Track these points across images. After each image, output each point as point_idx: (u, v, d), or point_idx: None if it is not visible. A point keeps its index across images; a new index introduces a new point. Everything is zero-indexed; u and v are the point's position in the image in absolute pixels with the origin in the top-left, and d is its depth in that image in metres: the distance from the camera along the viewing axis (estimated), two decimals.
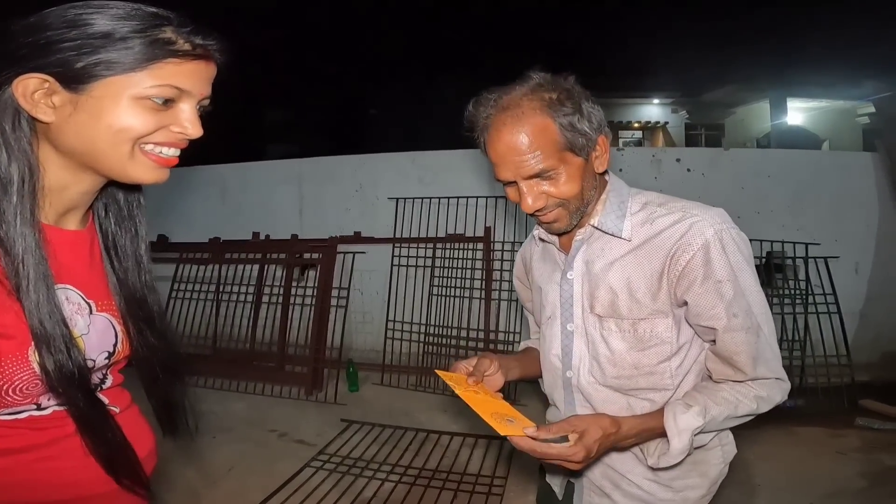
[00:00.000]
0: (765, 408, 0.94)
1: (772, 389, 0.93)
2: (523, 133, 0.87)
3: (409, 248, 4.02)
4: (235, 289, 4.09)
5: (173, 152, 0.70)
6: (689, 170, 3.83)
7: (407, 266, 4.01)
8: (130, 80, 0.63)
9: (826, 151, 7.48)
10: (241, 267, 4.14)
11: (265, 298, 4.06)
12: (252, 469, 2.70)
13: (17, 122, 0.64)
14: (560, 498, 1.13)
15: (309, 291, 3.94)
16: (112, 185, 0.76)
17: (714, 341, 0.94)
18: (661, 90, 12.08)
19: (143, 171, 0.68)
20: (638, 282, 0.94)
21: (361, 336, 4.22)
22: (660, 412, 0.92)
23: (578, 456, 0.84)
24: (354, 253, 3.89)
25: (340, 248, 3.95)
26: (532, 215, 0.96)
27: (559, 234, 1.02)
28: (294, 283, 4.05)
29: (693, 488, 1.00)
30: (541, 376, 1.15)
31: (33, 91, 0.62)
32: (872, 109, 3.79)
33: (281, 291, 4.02)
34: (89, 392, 0.70)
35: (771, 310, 0.97)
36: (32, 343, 0.64)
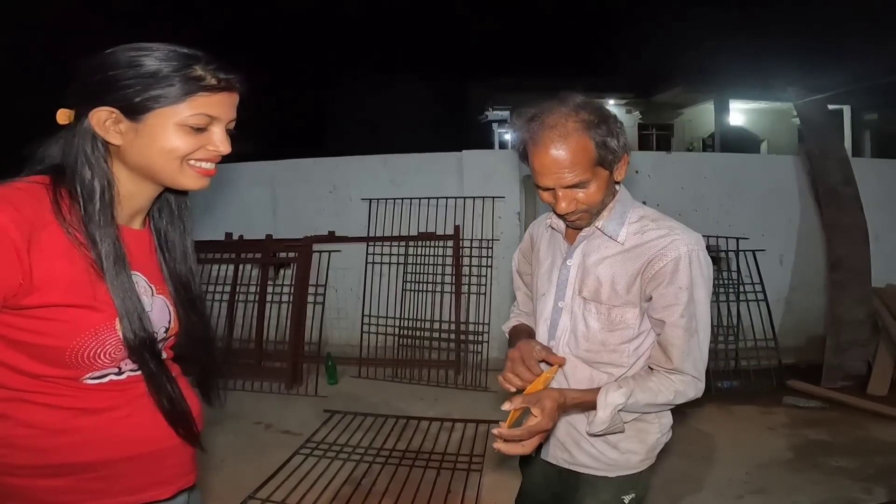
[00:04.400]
0: (680, 401, 1.14)
1: (688, 386, 1.13)
2: (567, 150, 1.04)
3: (382, 246, 4.23)
4: (210, 288, 4.19)
5: (210, 165, 0.88)
6: (637, 171, 4.19)
7: (380, 263, 4.22)
8: (174, 111, 0.81)
9: (754, 155, 8.08)
10: (215, 267, 4.24)
11: (241, 297, 4.18)
12: (244, 458, 2.85)
13: (96, 145, 0.82)
14: (532, 455, 1.34)
15: (285, 289, 4.09)
16: (164, 192, 0.95)
17: (660, 333, 1.14)
18: (617, 91, 12.51)
19: (191, 181, 0.87)
20: (620, 277, 1.15)
21: (338, 331, 4.40)
22: (596, 389, 1.13)
23: (548, 425, 1.04)
24: (329, 252, 4.07)
25: (315, 247, 4.11)
26: (560, 215, 1.17)
27: (573, 228, 1.23)
28: (270, 282, 4.19)
29: (634, 452, 1.21)
30: None
31: (104, 120, 0.80)
32: None
33: (257, 290, 4.15)
34: (158, 356, 0.88)
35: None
36: (117, 316, 0.83)
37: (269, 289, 4.14)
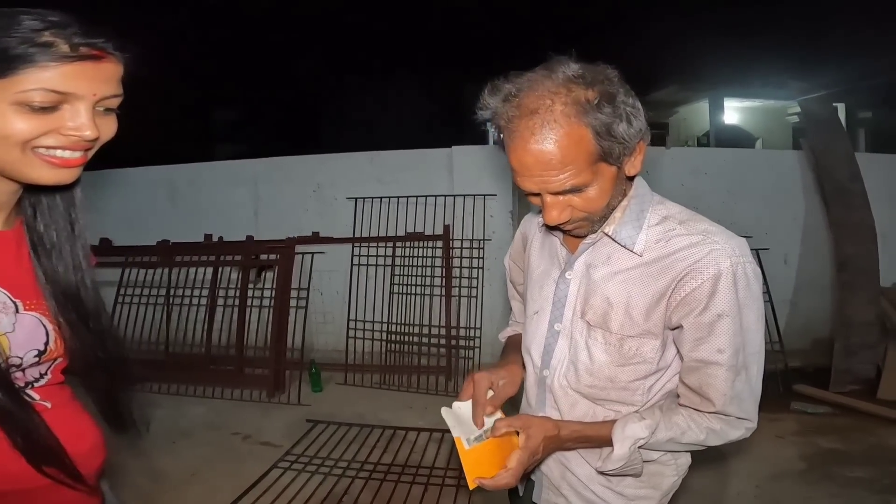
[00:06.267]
0: (714, 441, 0.92)
1: (729, 425, 0.91)
2: (554, 145, 0.76)
3: (368, 247, 4.04)
4: (188, 292, 4.00)
5: (71, 154, 0.70)
6: None
7: (367, 265, 4.03)
8: (7, 86, 0.63)
9: (757, 150, 7.97)
10: (192, 270, 4.05)
11: (220, 301, 3.99)
12: (217, 472, 2.67)
13: None
14: (521, 495, 1.15)
15: (266, 293, 3.90)
16: (39, 187, 0.76)
17: (693, 371, 0.90)
18: None
19: (40, 173, 0.69)
20: (637, 299, 0.89)
21: (323, 336, 4.21)
22: (608, 422, 0.92)
23: (525, 461, 0.87)
24: (313, 253, 3.88)
25: (298, 248, 3.93)
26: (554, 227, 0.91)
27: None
28: (250, 285, 4.00)
29: (644, 499, 0.99)
30: None
31: None
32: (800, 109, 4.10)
33: (237, 294, 3.96)
34: (9, 387, 0.72)
35: None
36: None
37: (251, 292, 3.95)
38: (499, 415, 0.99)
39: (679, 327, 0.88)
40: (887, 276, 3.63)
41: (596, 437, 0.93)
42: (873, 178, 3.74)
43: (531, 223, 1.14)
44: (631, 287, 0.90)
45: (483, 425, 0.95)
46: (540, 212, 0.91)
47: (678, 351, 0.92)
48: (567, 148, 0.77)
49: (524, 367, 1.10)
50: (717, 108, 11.38)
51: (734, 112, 11.96)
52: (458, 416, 0.97)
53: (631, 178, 0.92)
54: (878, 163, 4.00)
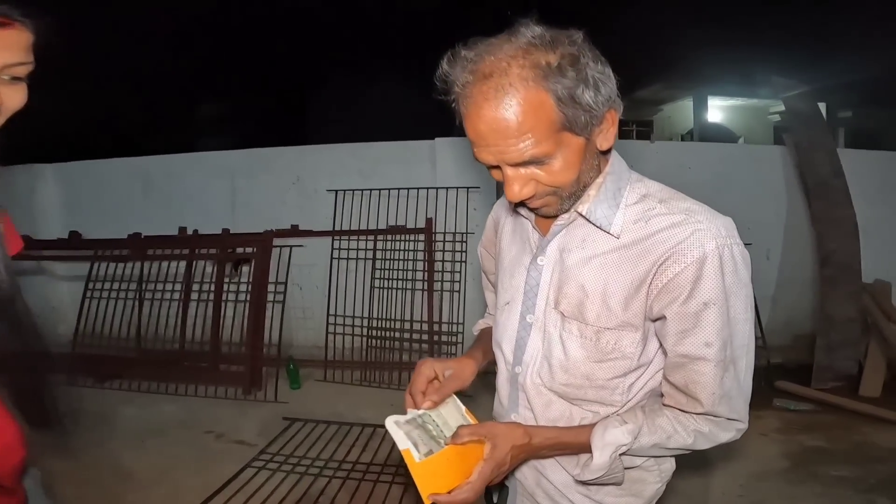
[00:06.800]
0: (702, 445, 0.85)
1: (719, 427, 0.84)
2: (511, 112, 0.69)
3: (349, 240, 3.94)
4: (160, 286, 3.87)
5: None
6: None
7: (347, 259, 3.93)
8: None
9: (741, 145, 8.04)
10: (166, 263, 3.92)
11: (194, 296, 3.87)
12: (189, 472, 2.57)
13: None
14: (495, 501, 1.08)
15: (243, 287, 3.79)
16: None
17: (677, 367, 0.82)
18: None
19: None
20: (615, 287, 0.81)
21: (302, 332, 4.11)
22: (586, 427, 0.86)
23: (488, 474, 0.80)
24: (291, 247, 3.77)
25: (276, 241, 3.81)
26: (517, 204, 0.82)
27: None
28: (226, 280, 3.88)
29: None
30: None
31: None
32: (783, 107, 4.09)
33: (212, 288, 3.84)
34: None
35: None
36: None
37: (226, 287, 3.83)
38: (465, 420, 0.90)
39: (661, 318, 0.80)
40: (869, 272, 3.64)
41: (573, 444, 0.85)
42: (854, 175, 3.74)
43: (502, 208, 1.05)
44: (608, 273, 0.81)
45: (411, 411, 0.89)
46: None
47: (660, 345, 0.84)
48: (525, 114, 0.70)
49: (495, 362, 1.03)
50: (700, 106, 11.47)
51: (717, 110, 12.08)
52: (409, 425, 0.86)
53: (606, 154, 0.84)
54: (858, 159, 4.00)
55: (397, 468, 2.57)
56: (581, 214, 0.83)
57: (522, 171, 0.75)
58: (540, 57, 0.70)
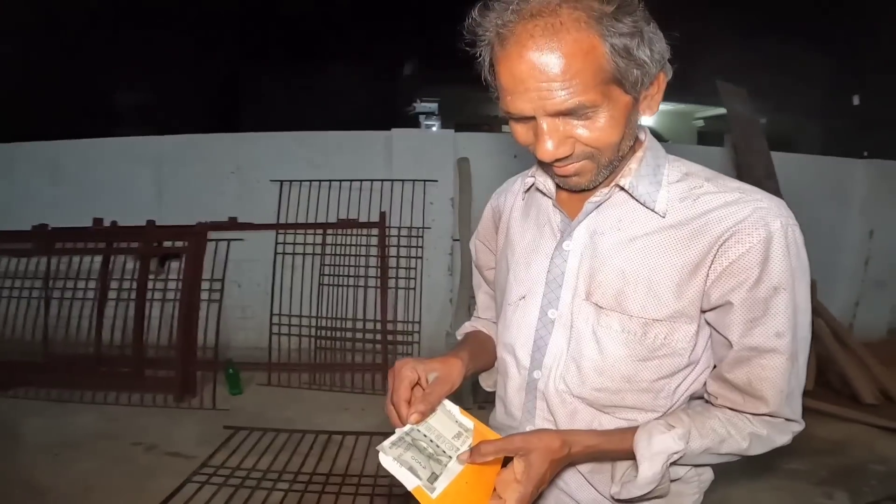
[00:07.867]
0: (757, 449, 0.74)
1: (776, 429, 0.74)
2: (558, 51, 0.61)
3: (295, 234, 3.66)
4: (71, 284, 3.39)
5: None
6: None
7: (293, 254, 3.65)
8: None
9: (690, 146, 8.48)
10: (77, 259, 3.44)
11: (112, 294, 3.42)
12: (118, 488, 2.23)
13: None
14: None
15: (171, 285, 3.39)
16: None
17: (739, 362, 0.72)
18: None
19: None
20: (663, 272, 0.71)
21: (242, 333, 3.76)
22: (627, 431, 0.74)
23: (527, 498, 0.68)
24: (229, 240, 3.42)
25: (212, 235, 3.45)
26: (548, 164, 0.70)
27: (570, 191, 0.77)
28: (151, 276, 3.46)
29: None
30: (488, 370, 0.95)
31: None
32: (707, 113, 4.32)
33: (132, 286, 3.41)
34: None
35: None
36: None
37: (151, 284, 3.42)
38: (463, 426, 0.75)
39: (722, 306, 0.71)
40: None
41: (613, 453, 0.74)
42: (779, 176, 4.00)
43: (505, 194, 0.94)
44: (653, 257, 0.72)
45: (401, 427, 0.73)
46: (525, 174, 0.79)
47: (719, 339, 0.74)
48: (573, 56, 0.61)
49: (484, 369, 0.93)
50: None
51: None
52: (398, 448, 0.70)
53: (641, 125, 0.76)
54: (782, 161, 4.29)
55: (360, 478, 2.35)
56: (623, 188, 0.73)
57: (561, 126, 0.66)
58: (593, 2, 0.62)
